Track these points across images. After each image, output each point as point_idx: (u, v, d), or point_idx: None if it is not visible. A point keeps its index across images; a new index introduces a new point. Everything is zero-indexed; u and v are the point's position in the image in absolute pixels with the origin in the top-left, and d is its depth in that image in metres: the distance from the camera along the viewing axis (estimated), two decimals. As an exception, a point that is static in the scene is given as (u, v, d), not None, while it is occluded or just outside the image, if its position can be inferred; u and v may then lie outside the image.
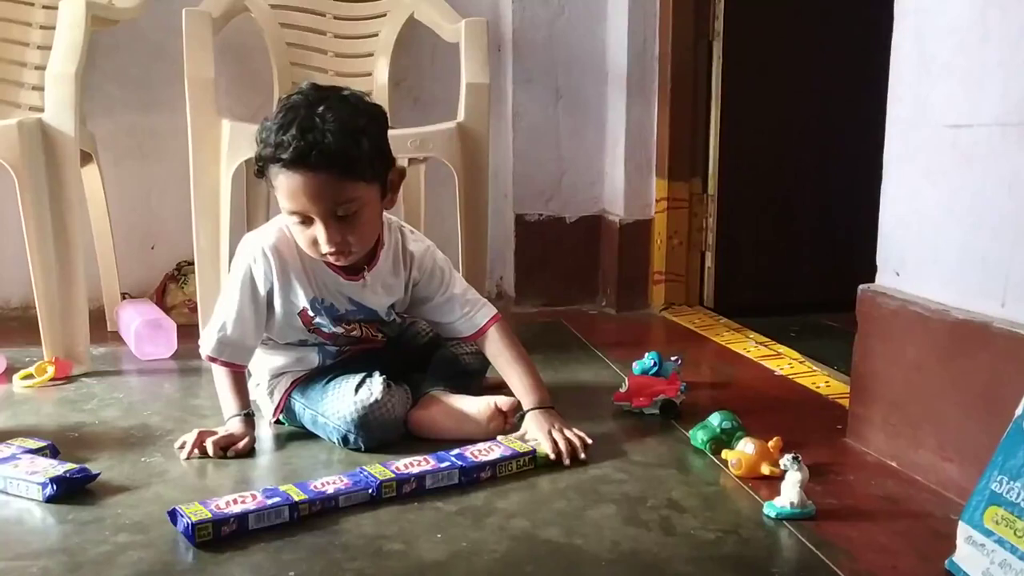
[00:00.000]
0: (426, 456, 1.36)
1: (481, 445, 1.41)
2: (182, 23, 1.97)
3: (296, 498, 1.22)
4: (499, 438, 1.45)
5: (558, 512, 1.26)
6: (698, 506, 1.28)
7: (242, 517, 1.17)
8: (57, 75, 1.85)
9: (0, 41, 2.19)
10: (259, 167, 1.41)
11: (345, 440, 1.47)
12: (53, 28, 1.95)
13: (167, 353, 2.03)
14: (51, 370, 1.82)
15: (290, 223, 1.43)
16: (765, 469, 1.36)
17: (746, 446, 1.39)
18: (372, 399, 1.46)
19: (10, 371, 1.87)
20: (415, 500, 1.29)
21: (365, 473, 1.30)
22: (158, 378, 1.91)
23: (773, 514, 1.24)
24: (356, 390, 1.48)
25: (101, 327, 2.21)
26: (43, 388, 1.80)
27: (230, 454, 1.44)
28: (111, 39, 2.25)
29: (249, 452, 1.46)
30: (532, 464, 1.40)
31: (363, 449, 1.46)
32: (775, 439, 1.40)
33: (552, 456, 1.41)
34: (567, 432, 1.45)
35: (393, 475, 1.30)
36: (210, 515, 1.16)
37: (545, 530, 1.20)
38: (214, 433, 1.46)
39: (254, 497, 1.21)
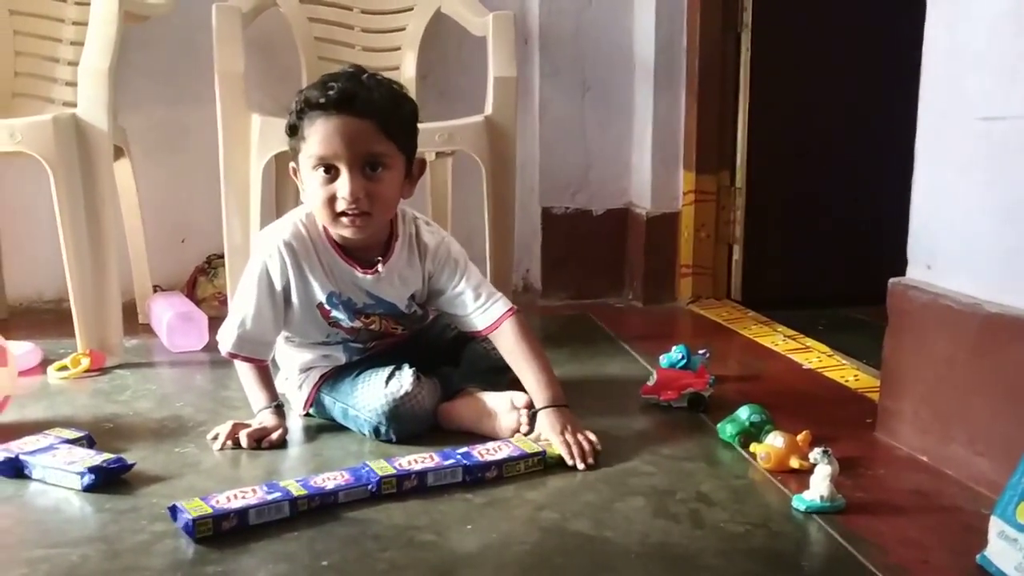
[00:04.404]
0: (431, 453, 1.35)
1: (490, 444, 1.39)
2: (212, 18, 1.99)
3: (296, 493, 1.22)
4: (512, 438, 1.43)
5: (587, 504, 1.26)
6: (727, 499, 1.28)
7: (242, 512, 1.17)
8: (90, 71, 1.87)
9: (34, 37, 2.22)
10: (297, 115, 1.42)
11: (377, 432, 1.48)
12: (85, 24, 1.97)
13: (198, 345, 2.06)
14: (85, 362, 1.85)
15: (312, 180, 1.42)
16: (794, 463, 1.35)
17: (775, 439, 1.39)
18: (403, 391, 1.47)
19: (45, 363, 1.90)
20: (445, 492, 1.30)
21: (367, 468, 1.29)
22: (190, 370, 1.94)
23: (802, 508, 1.24)
24: (387, 382, 1.49)
25: (133, 319, 2.24)
26: (78, 379, 1.83)
27: (264, 445, 1.46)
28: (142, 34, 2.27)
29: (281, 443, 1.48)
30: (541, 465, 1.37)
31: (395, 440, 1.47)
32: (804, 433, 1.39)
33: (568, 461, 1.38)
34: (579, 435, 1.42)
35: (394, 471, 1.29)
36: (210, 510, 1.16)
37: (574, 522, 1.21)
38: (247, 426, 1.48)
39: (254, 492, 1.21)
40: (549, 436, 1.43)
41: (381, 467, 1.30)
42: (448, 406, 1.54)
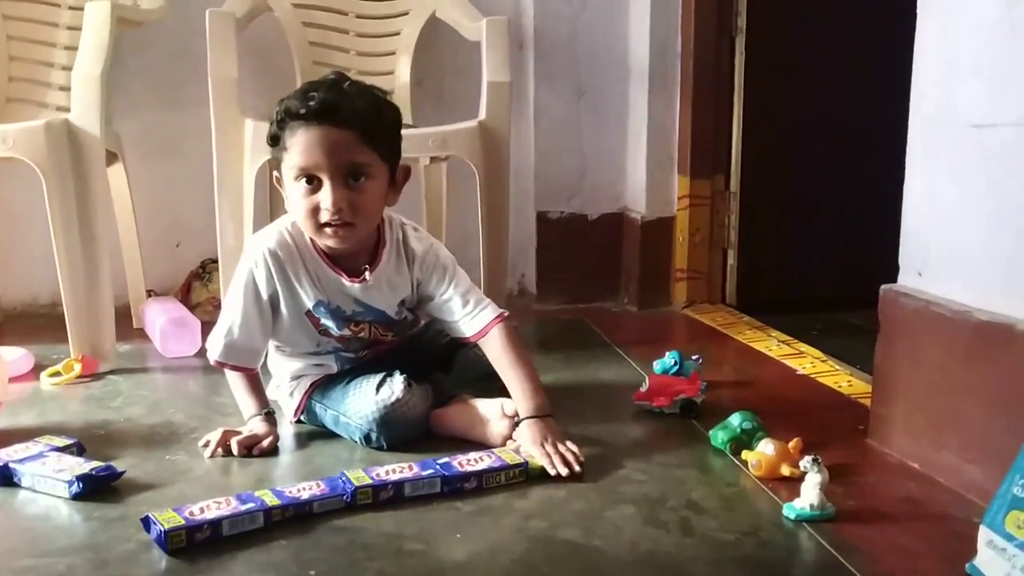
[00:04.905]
0: (411, 463, 1.34)
1: (472, 454, 1.37)
2: (206, 23, 1.99)
3: (270, 503, 1.21)
4: (494, 449, 1.42)
5: (577, 513, 1.26)
6: (717, 507, 1.28)
7: (216, 523, 1.16)
8: (84, 76, 1.87)
9: (27, 42, 2.22)
10: (278, 125, 1.42)
11: (368, 439, 1.48)
12: (79, 29, 1.97)
13: (191, 351, 2.05)
14: (78, 367, 1.85)
15: (295, 191, 1.42)
16: (785, 470, 1.35)
17: (766, 447, 1.39)
18: (393, 398, 1.47)
19: (38, 368, 1.90)
20: (434, 500, 1.29)
21: (343, 478, 1.28)
22: (182, 376, 1.94)
23: (793, 516, 1.23)
24: (377, 389, 1.48)
25: (126, 324, 2.24)
26: (70, 385, 1.83)
27: (255, 453, 1.45)
28: (136, 39, 2.27)
29: (272, 451, 1.47)
30: (523, 477, 1.36)
31: (385, 448, 1.47)
32: (795, 440, 1.40)
33: (550, 471, 1.36)
34: (560, 446, 1.41)
35: (370, 481, 1.28)
36: (183, 522, 1.14)
37: (564, 531, 1.21)
38: (238, 433, 1.47)
39: (228, 503, 1.20)
40: (529, 448, 1.41)
41: (357, 477, 1.28)
42: (440, 413, 1.54)
